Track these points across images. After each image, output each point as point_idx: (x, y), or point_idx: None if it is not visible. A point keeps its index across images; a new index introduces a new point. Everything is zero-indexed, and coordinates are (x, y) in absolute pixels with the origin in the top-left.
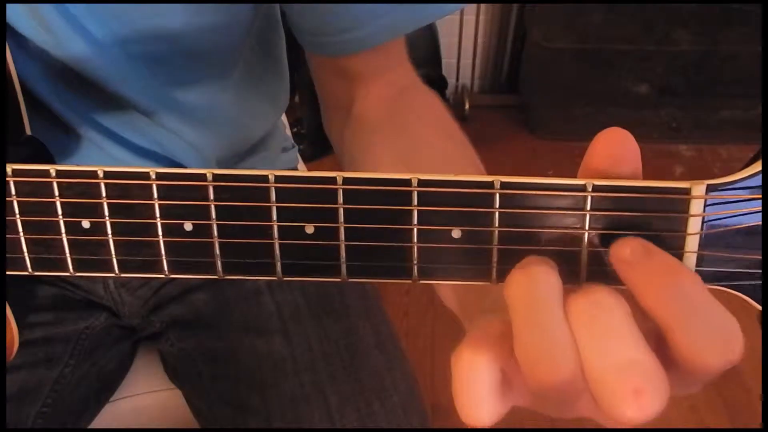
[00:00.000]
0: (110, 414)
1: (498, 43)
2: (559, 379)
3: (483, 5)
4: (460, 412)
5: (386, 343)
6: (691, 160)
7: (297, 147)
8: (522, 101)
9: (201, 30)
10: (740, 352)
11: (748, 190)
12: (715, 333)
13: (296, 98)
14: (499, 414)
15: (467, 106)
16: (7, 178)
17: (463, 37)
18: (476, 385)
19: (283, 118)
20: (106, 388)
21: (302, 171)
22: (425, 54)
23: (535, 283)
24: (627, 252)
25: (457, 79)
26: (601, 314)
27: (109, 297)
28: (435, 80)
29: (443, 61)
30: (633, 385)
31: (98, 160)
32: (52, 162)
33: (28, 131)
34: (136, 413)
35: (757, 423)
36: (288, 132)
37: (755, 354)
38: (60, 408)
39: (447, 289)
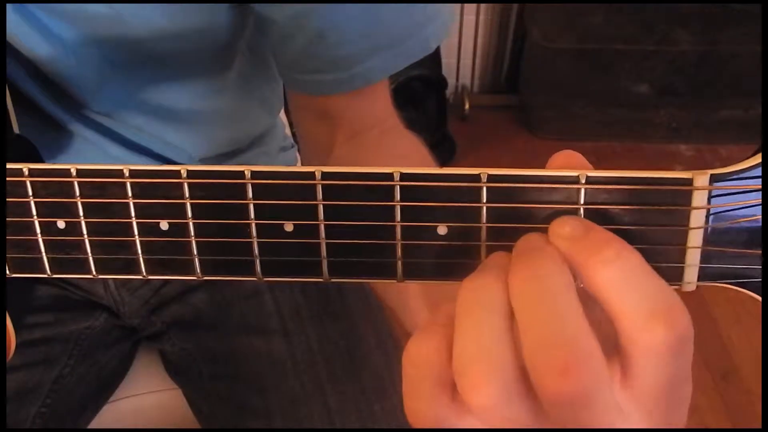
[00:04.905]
0: (110, 414)
1: (498, 43)
2: (487, 393)
3: (483, 5)
4: (405, 405)
5: (386, 344)
6: (691, 160)
7: (296, 146)
8: (522, 101)
9: (172, 36)
10: (685, 325)
11: (754, 180)
12: (655, 304)
13: None
14: (441, 417)
15: (467, 106)
16: None
17: (463, 37)
18: (419, 380)
19: (283, 117)
20: (105, 388)
21: (280, 166)
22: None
23: (483, 294)
24: (567, 230)
25: (457, 79)
26: (539, 286)
27: (109, 297)
28: (435, 80)
29: (443, 61)
30: (562, 362)
31: (92, 157)
32: (40, 161)
33: (16, 130)
34: (136, 413)
35: (757, 424)
36: (288, 131)
37: (755, 354)
38: (59, 408)
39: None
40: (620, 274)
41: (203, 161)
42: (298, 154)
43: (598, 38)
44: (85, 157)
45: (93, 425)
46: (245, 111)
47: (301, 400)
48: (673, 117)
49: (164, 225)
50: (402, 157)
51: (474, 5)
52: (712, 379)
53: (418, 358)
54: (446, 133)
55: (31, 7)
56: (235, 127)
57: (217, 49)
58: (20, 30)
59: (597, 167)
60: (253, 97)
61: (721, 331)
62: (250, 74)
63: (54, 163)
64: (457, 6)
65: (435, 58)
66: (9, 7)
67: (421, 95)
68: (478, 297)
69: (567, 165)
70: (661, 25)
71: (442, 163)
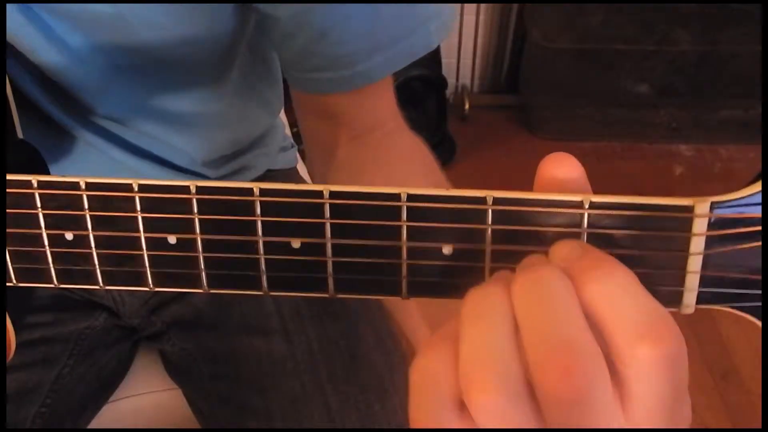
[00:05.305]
0: (110, 414)
1: (498, 43)
2: (492, 396)
3: (483, 5)
4: (410, 418)
5: (386, 343)
6: (691, 160)
7: (296, 147)
8: (522, 101)
9: (176, 38)
10: (674, 344)
11: (754, 207)
12: (644, 323)
13: None
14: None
15: (467, 106)
16: None
17: (463, 37)
18: (426, 391)
19: (283, 117)
20: (105, 388)
21: (288, 184)
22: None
23: (486, 301)
24: (565, 251)
25: (457, 79)
26: (540, 291)
27: (109, 297)
28: (435, 80)
29: (443, 61)
30: (563, 363)
31: (95, 161)
32: (44, 166)
33: (20, 134)
34: (136, 413)
35: (757, 423)
36: (288, 131)
37: (755, 354)
38: (59, 408)
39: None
40: (611, 292)
41: (206, 164)
42: (298, 155)
43: (598, 38)
44: (88, 162)
45: (93, 425)
46: (246, 112)
47: (301, 400)
48: (673, 117)
49: (172, 239)
50: (404, 158)
51: (474, 5)
52: (712, 379)
53: (426, 370)
54: (446, 133)
55: (35, 7)
56: (236, 128)
57: (220, 50)
58: (24, 32)
59: (597, 167)
60: (254, 98)
61: (720, 330)
62: (250, 74)
63: (63, 176)
64: (457, 6)
65: (435, 58)
66: (13, 7)
67: (421, 95)
68: (482, 305)
69: (558, 171)
70: (661, 25)
71: (443, 163)
